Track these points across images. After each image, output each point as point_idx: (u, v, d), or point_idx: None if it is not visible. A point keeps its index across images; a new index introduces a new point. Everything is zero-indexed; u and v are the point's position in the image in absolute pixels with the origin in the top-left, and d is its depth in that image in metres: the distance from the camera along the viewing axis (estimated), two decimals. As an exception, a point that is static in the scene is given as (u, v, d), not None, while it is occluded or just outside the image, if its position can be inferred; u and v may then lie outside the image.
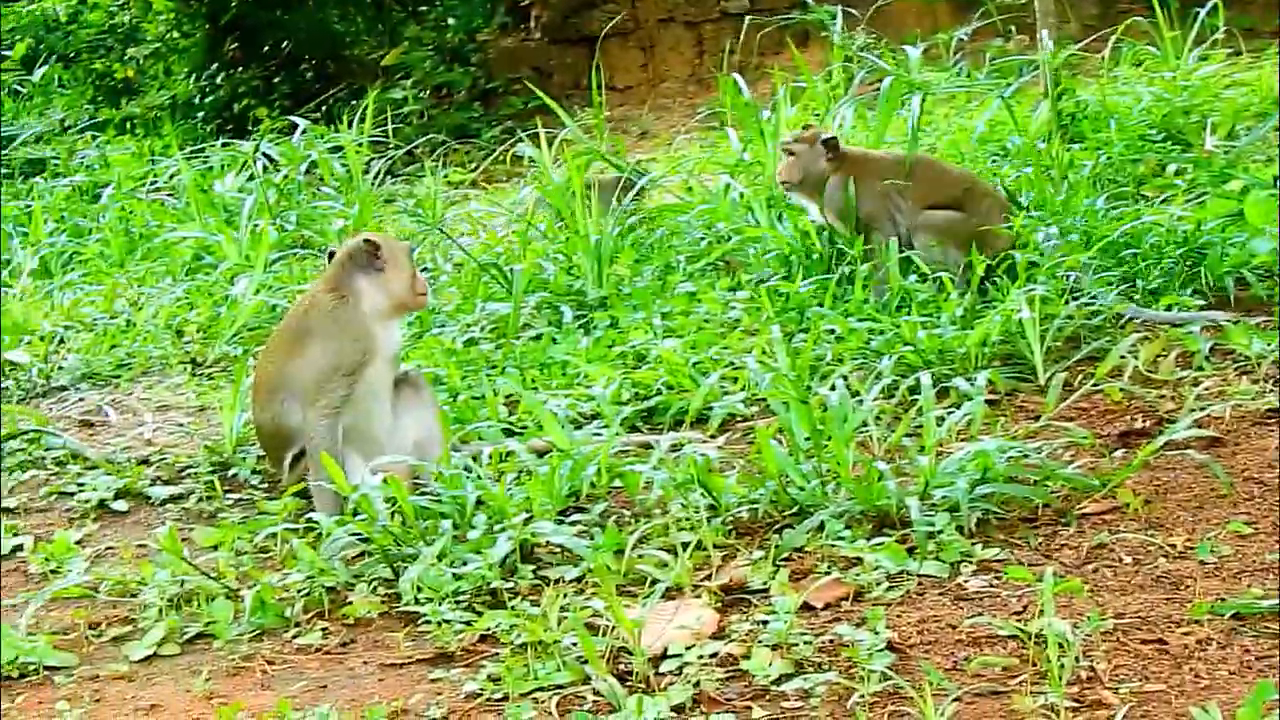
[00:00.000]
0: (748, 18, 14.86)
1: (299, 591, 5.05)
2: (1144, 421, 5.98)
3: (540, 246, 8.71)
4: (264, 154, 11.35)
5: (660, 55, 16.99)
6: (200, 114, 17.66)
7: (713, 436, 6.30)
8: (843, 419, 5.57)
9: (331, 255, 6.13)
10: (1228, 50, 11.62)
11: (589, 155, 9.41)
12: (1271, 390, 6.07)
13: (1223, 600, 4.33)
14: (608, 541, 5.07)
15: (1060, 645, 3.99)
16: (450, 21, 18.22)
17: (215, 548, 5.50)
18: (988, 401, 6.23)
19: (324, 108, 17.15)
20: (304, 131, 11.79)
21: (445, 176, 12.64)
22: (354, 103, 17.11)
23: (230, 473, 6.40)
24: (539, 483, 5.50)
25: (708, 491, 5.32)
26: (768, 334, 6.87)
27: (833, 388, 5.90)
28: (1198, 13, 11.52)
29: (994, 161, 9.35)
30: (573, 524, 5.33)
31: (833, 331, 7.08)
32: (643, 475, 5.48)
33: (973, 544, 4.92)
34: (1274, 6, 16.06)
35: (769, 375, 6.33)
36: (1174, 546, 4.79)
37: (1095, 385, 6.24)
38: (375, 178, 12.40)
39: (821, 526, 5.09)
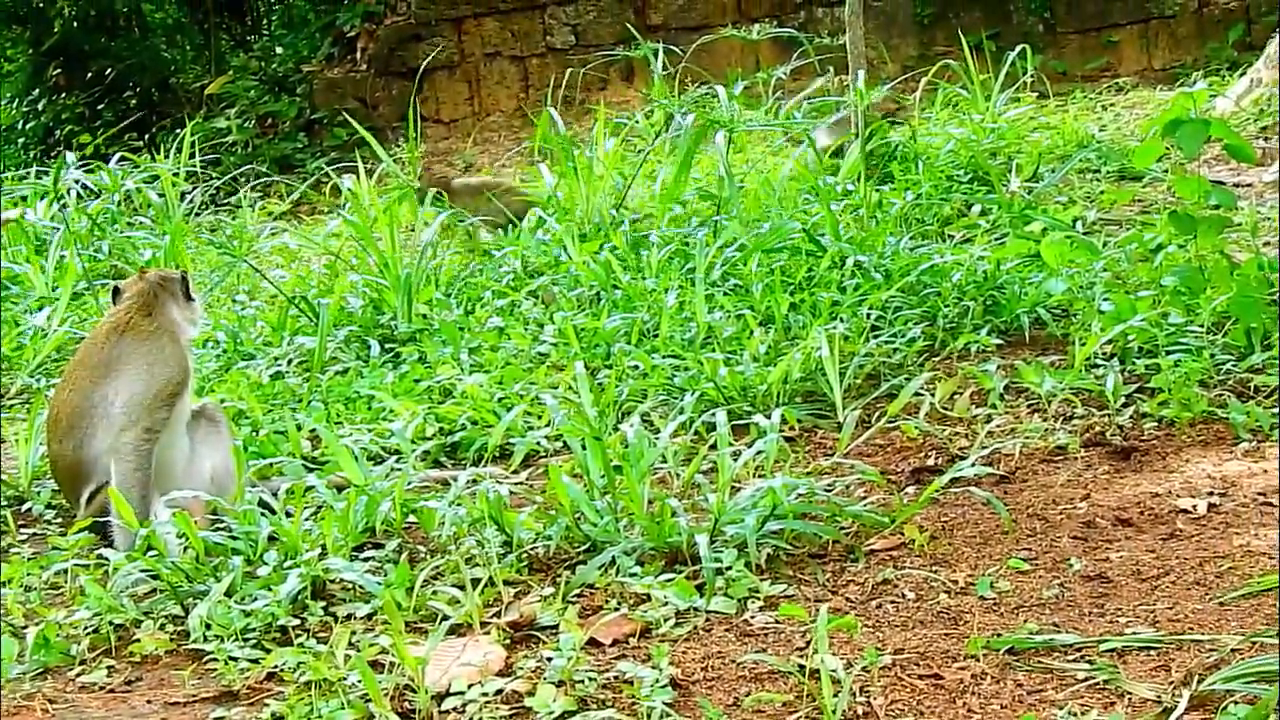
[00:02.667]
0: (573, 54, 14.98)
1: (85, 628, 4.98)
2: (936, 458, 6.07)
3: (349, 282, 8.67)
4: (79, 183, 11.21)
5: (486, 89, 17.03)
6: (21, 140, 17.43)
7: (515, 472, 6.31)
8: (639, 456, 5.60)
9: (116, 291, 6.07)
10: (1036, 94, 11.86)
11: (399, 191, 9.39)
12: (1060, 428, 6.19)
13: (998, 635, 4.41)
14: (398, 578, 5.05)
15: (834, 682, 4.04)
16: (278, 51, 18.14)
17: (4, 584, 5.41)
18: (788, 438, 6.32)
19: (147, 135, 17.01)
20: (120, 160, 11.67)
21: (264, 207, 12.56)
22: (179, 131, 16.98)
23: (25, 507, 6.30)
24: (334, 518, 5.48)
25: (501, 528, 5.33)
26: (572, 370, 6.90)
27: (630, 424, 5.94)
28: (1018, 54, 11.76)
29: (806, 199, 9.46)
30: (366, 560, 5.31)
31: (637, 367, 7.12)
32: (438, 511, 5.48)
33: (761, 580, 4.96)
34: (1089, 51, 16.45)
35: (564, 412, 6.34)
36: (955, 582, 4.87)
37: (890, 422, 6.33)
38: (196, 208, 12.32)
39: (613, 562, 5.11)
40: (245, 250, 10.06)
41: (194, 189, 12.62)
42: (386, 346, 7.96)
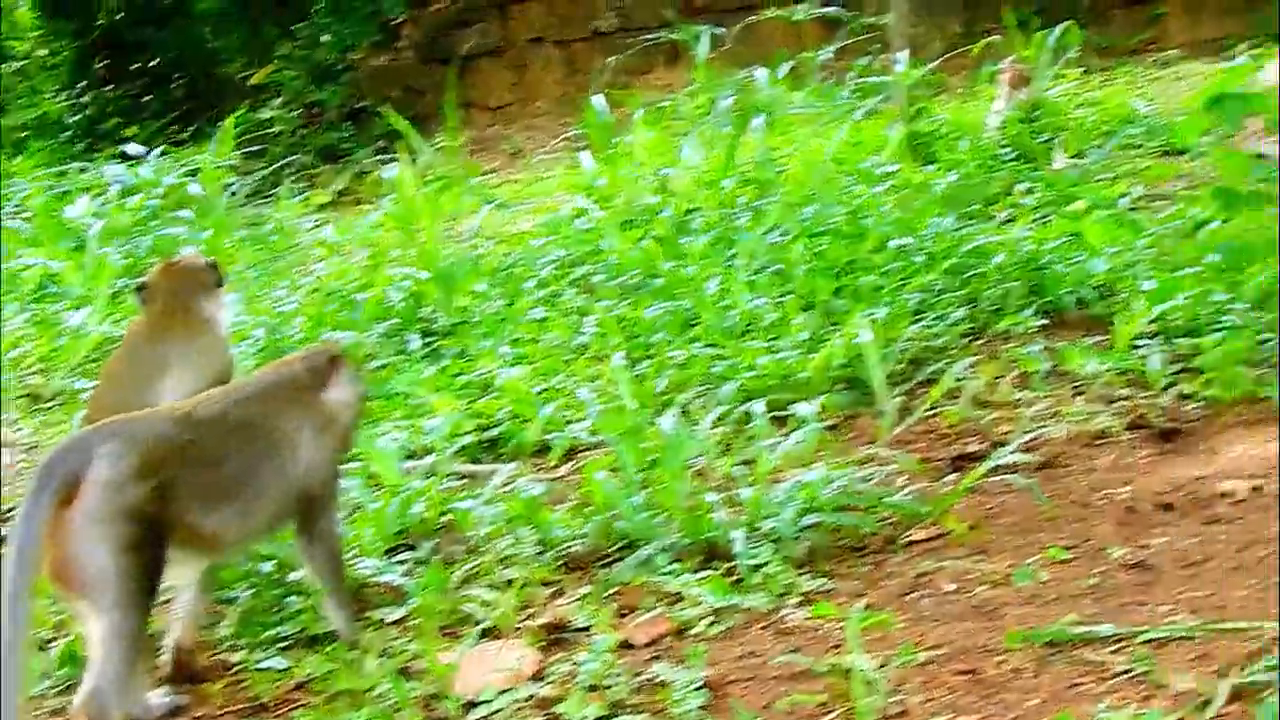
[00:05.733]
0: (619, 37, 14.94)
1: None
2: (978, 445, 6.00)
3: (390, 275, 8.63)
4: (119, 179, 11.21)
5: (532, 74, 16.99)
6: (67, 133, 17.44)
7: (555, 467, 6.29)
8: (676, 449, 5.55)
9: (141, 287, 5.99)
10: (1082, 69, 11.75)
11: (444, 180, 9.37)
12: (1103, 411, 6.12)
13: (1036, 628, 4.35)
14: (431, 580, 5.03)
15: (868, 682, 4.00)
16: (325, 39, 18.10)
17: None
18: (830, 426, 6.26)
19: (193, 127, 17.01)
20: (162, 154, 11.67)
21: (307, 198, 12.56)
22: (224, 123, 16.95)
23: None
24: (367, 519, 5.46)
25: (535, 527, 5.30)
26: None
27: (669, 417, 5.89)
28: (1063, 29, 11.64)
29: (850, 181, 9.38)
30: (401, 562, 5.30)
31: (677, 358, 7.06)
32: (472, 511, 5.46)
33: (799, 575, 4.91)
34: (1134, 24, 16.26)
35: (598, 406, 6.29)
36: (995, 573, 4.81)
37: (932, 408, 6.26)
38: (241, 200, 12.33)
39: (649, 560, 5.07)
40: (285, 244, 10.04)
41: (237, 181, 12.63)
42: (427, 340, 7.93)
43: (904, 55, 9.81)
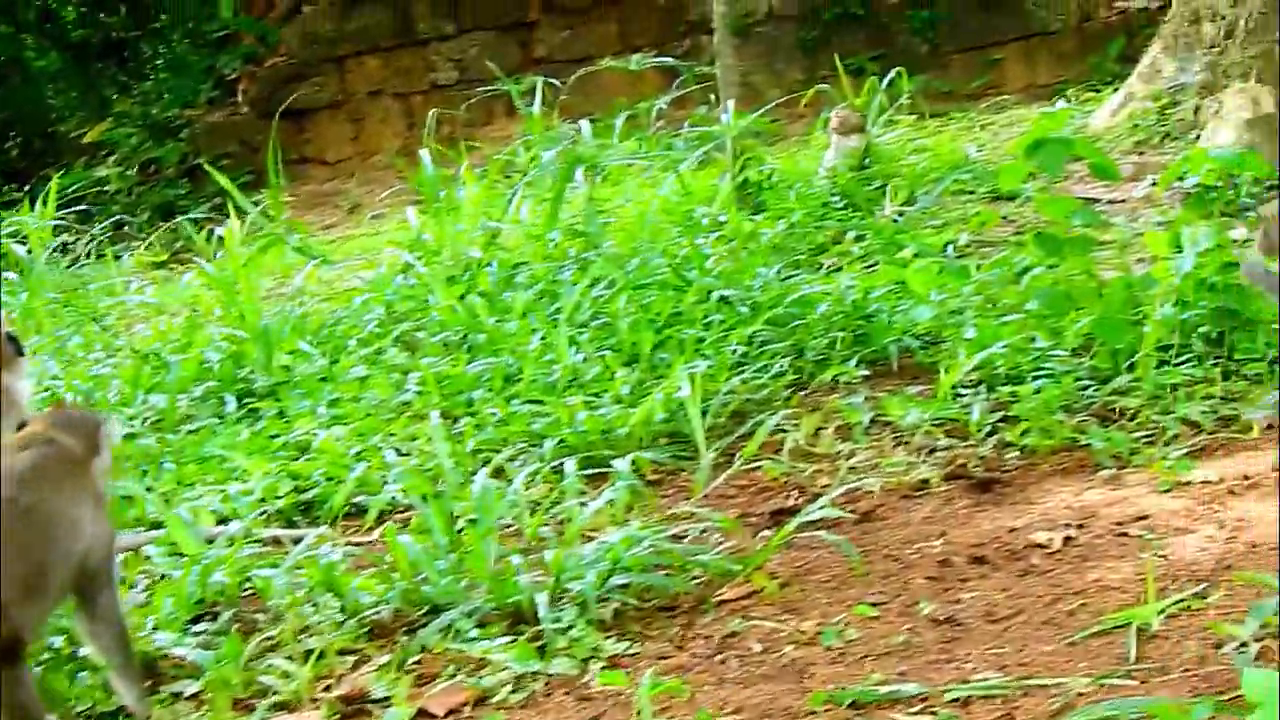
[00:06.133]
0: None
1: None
2: (797, 498, 5.91)
3: (208, 335, 8.43)
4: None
5: (371, 128, 16.86)
6: (-100, 197, 17.08)
7: (369, 529, 6.12)
8: (486, 510, 5.41)
9: None
10: (915, 115, 11.77)
11: (266, 237, 9.18)
12: (922, 461, 6.05)
13: (842, 688, 4.24)
14: (228, 652, 4.85)
15: (663, 750, 3.88)
16: (164, 96, 17.87)
17: None
18: (651, 481, 6.16)
19: (27, 187, 16.69)
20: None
21: (139, 257, 12.32)
22: (62, 180, 16.67)
23: None
24: (165, 589, 5.27)
25: (337, 594, 5.13)
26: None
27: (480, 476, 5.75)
28: (894, 76, 11.67)
29: (678, 232, 9.30)
30: (199, 634, 5.11)
31: (496, 414, 6.93)
32: (274, 578, 5.28)
33: (606, 638, 4.78)
34: (972, 70, 16.41)
35: (403, 468, 6.14)
36: (804, 632, 4.70)
37: (748, 463, 6.15)
38: (72, 261, 12.08)
39: (453, 625, 4.92)
40: (106, 306, 9.81)
41: (67, 241, 12.38)
42: (245, 401, 7.74)
43: (731, 105, 9.74)
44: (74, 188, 16.26)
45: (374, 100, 16.85)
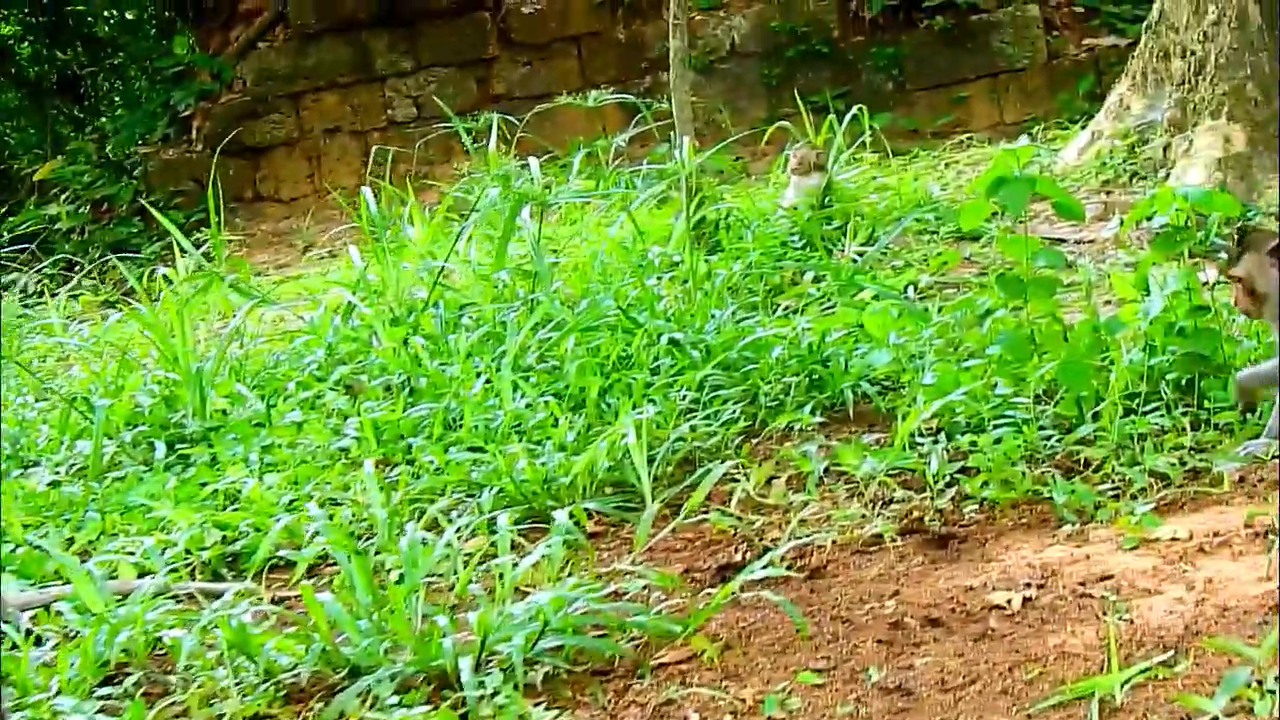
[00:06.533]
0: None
1: None
2: (745, 552, 5.61)
3: (141, 378, 8.12)
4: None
5: (327, 165, 16.57)
6: None
7: (296, 584, 5.81)
8: (414, 566, 5.12)
9: None
10: (879, 153, 11.53)
11: (204, 277, 8.88)
12: (877, 514, 5.76)
13: (783, 764, 3.95)
14: (131, 718, 4.53)
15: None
16: (117, 133, 17.59)
17: None
18: (593, 534, 5.88)
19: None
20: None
21: (82, 298, 12.02)
22: (11, 219, 16.42)
23: None
24: (69, 650, 4.96)
25: (248, 656, 4.82)
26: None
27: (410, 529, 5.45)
28: (856, 114, 11.42)
29: (632, 273, 9.01)
30: (104, 699, 4.79)
31: (433, 462, 6.63)
32: (183, 640, 4.96)
33: (535, 705, 4.47)
34: (936, 107, 16.20)
35: (326, 521, 5.82)
36: (744, 700, 4.39)
37: (694, 515, 5.86)
38: (25, 299, 11.81)
39: (372, 691, 4.61)
40: (48, 346, 9.49)
41: (18, 280, 12.10)
42: (178, 447, 7.44)
43: (685, 142, 9.46)
44: (24, 226, 15.98)
45: (331, 137, 16.56)
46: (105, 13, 18.52)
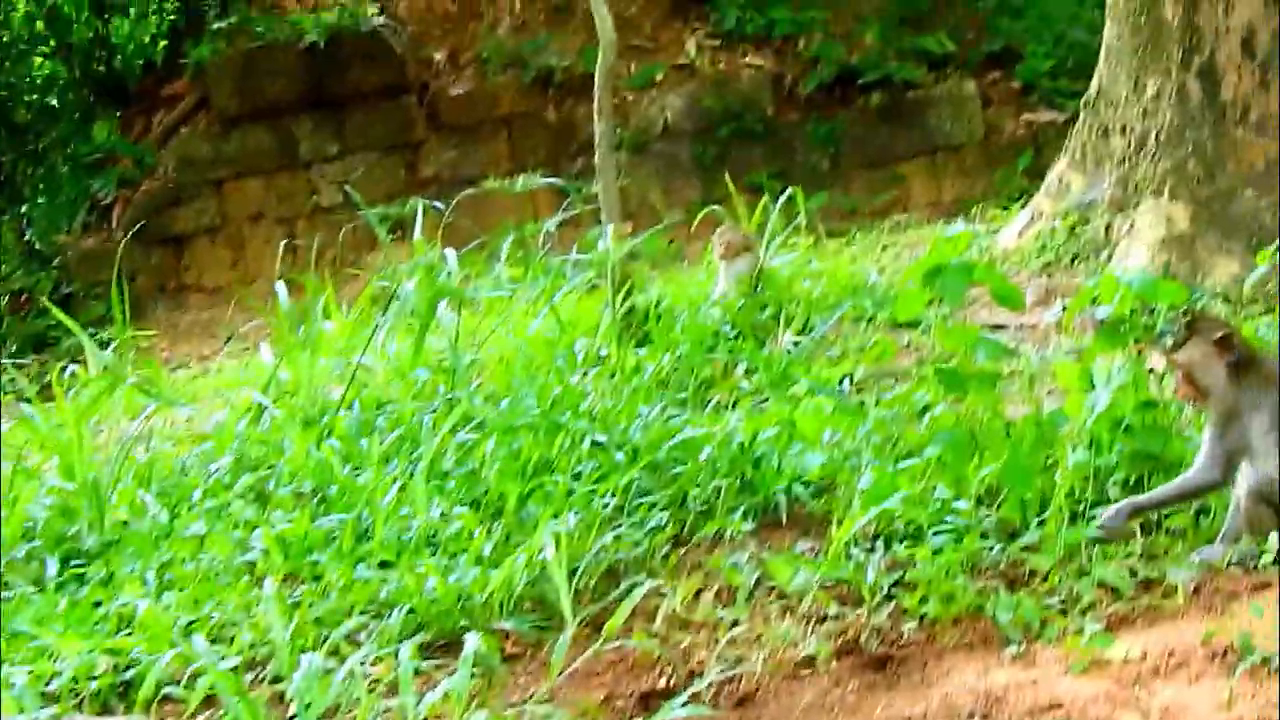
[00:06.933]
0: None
1: None
2: (670, 677, 5.23)
3: (34, 488, 7.69)
4: None
5: (252, 253, 16.19)
6: None
7: (192, 716, 5.40)
8: (308, 701, 4.73)
9: None
10: (813, 237, 11.24)
11: (107, 379, 8.44)
12: (811, 632, 5.39)
13: None
14: None
15: None
16: (39, 222, 17.20)
17: None
18: (510, 656, 5.51)
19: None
20: None
21: (-5, 395, 11.56)
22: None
23: None
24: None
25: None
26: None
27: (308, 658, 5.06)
28: (788, 195, 11.12)
29: (558, 367, 8.64)
30: None
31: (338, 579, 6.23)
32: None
33: None
34: (874, 185, 15.99)
35: (210, 659, 5.40)
36: None
37: (616, 635, 5.47)
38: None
39: None
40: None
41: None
42: (73, 563, 7.01)
43: (610, 229, 9.13)
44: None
45: (254, 224, 16.20)
46: (26, 98, 18.14)
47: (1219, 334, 5.72)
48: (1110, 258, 10.10)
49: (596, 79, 9.83)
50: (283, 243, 15.73)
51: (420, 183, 15.87)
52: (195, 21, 17.30)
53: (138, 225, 15.84)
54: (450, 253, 8.89)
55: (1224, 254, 9.81)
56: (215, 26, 16.45)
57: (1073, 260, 10.29)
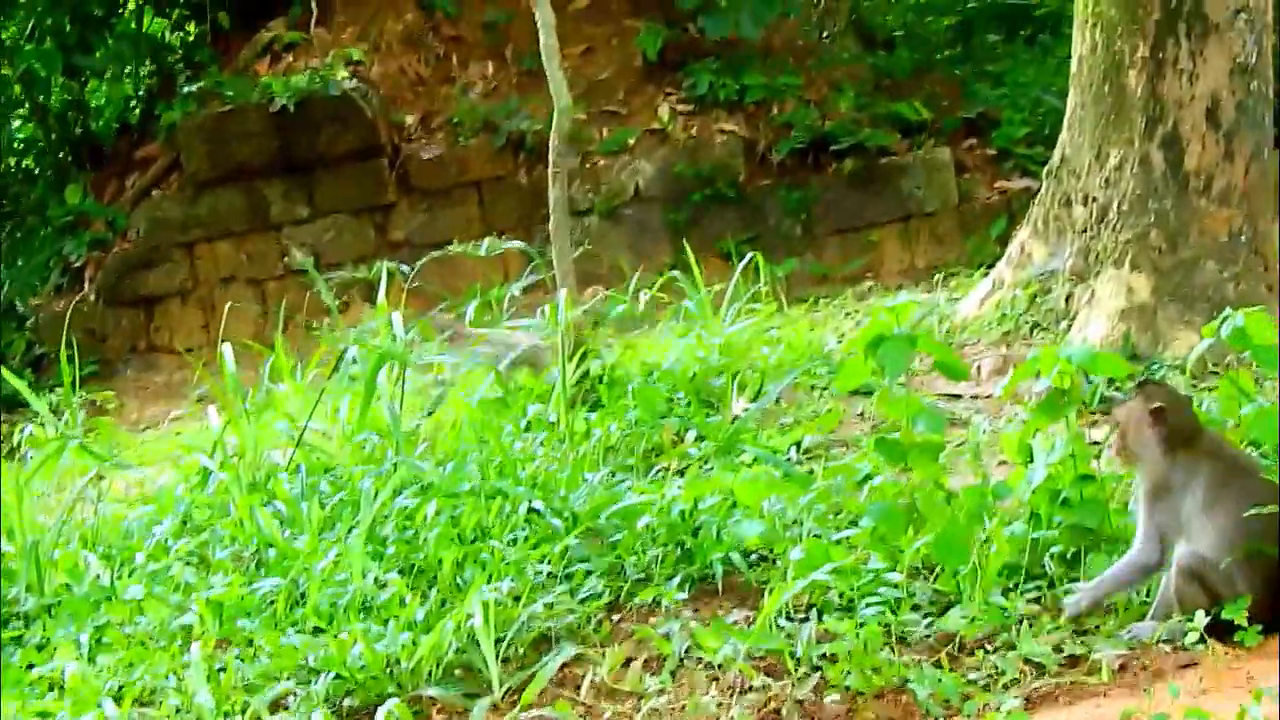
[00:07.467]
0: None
1: None
2: (592, 753, 5.19)
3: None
4: None
5: (222, 315, 16.13)
6: None
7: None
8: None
9: None
10: (776, 303, 11.23)
11: (55, 442, 8.40)
12: (735, 703, 5.34)
13: None
14: None
15: None
16: (11, 284, 17.15)
17: None
18: (436, 725, 5.46)
19: None
20: None
21: (-46, 456, 11.50)
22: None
23: None
24: None
25: None
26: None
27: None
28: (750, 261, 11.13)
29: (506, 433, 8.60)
30: None
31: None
32: None
33: None
34: (846, 251, 15.98)
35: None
36: None
37: (527, 708, 5.44)
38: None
39: None
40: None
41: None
42: (13, 627, 6.96)
43: (564, 294, 9.11)
44: None
45: (226, 286, 16.17)
46: (3, 161, 18.14)
47: (1156, 404, 5.70)
48: (1070, 327, 10.06)
49: (551, 144, 9.83)
50: (252, 305, 15.85)
51: (391, 245, 15.84)
52: (168, 84, 17.32)
53: (109, 287, 15.81)
54: (397, 316, 8.86)
55: (1185, 325, 9.75)
56: (185, 90, 16.43)
57: (1032, 329, 10.24)
